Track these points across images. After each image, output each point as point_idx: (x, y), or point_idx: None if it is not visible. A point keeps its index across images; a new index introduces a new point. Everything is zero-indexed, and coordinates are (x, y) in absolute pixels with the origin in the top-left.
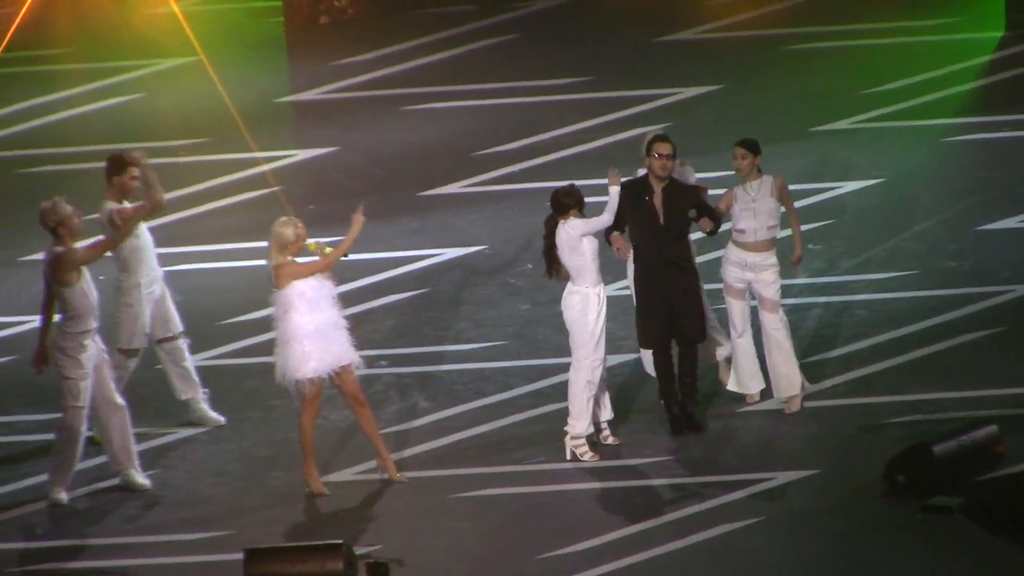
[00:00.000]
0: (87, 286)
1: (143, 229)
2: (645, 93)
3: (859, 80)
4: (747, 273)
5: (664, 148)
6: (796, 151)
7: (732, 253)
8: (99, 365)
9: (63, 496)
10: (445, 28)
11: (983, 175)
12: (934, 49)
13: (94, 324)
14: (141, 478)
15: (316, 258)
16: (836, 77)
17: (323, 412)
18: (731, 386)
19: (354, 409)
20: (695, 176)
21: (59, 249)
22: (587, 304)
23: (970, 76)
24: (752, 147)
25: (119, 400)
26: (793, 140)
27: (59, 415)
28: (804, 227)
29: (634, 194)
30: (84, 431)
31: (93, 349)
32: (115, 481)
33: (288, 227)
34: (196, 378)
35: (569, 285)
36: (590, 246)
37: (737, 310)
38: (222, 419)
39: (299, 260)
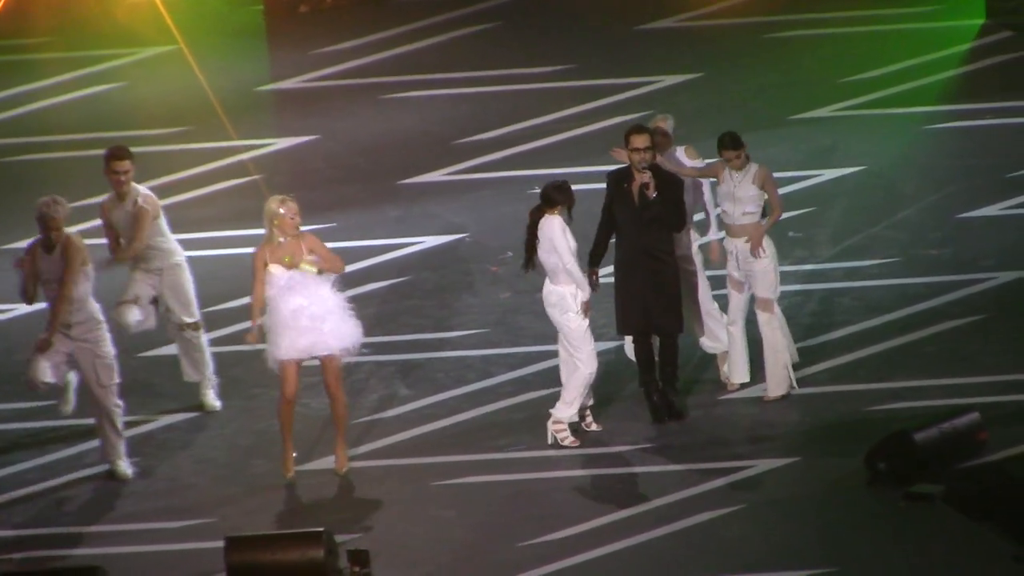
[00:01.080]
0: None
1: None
2: (626, 81)
3: (839, 68)
4: (743, 265)
5: (639, 141)
6: (776, 139)
7: (725, 239)
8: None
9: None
10: (426, 16)
11: (965, 163)
12: (915, 37)
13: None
14: (125, 468)
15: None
16: (816, 65)
17: (304, 400)
18: (723, 371)
19: (329, 396)
20: (689, 162)
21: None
22: (564, 303)
23: (951, 64)
24: (735, 143)
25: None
26: (773, 128)
27: (40, 404)
28: (787, 215)
29: (617, 181)
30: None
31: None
32: (97, 469)
33: (273, 202)
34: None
35: (547, 281)
36: (566, 247)
37: (733, 300)
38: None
39: (281, 241)
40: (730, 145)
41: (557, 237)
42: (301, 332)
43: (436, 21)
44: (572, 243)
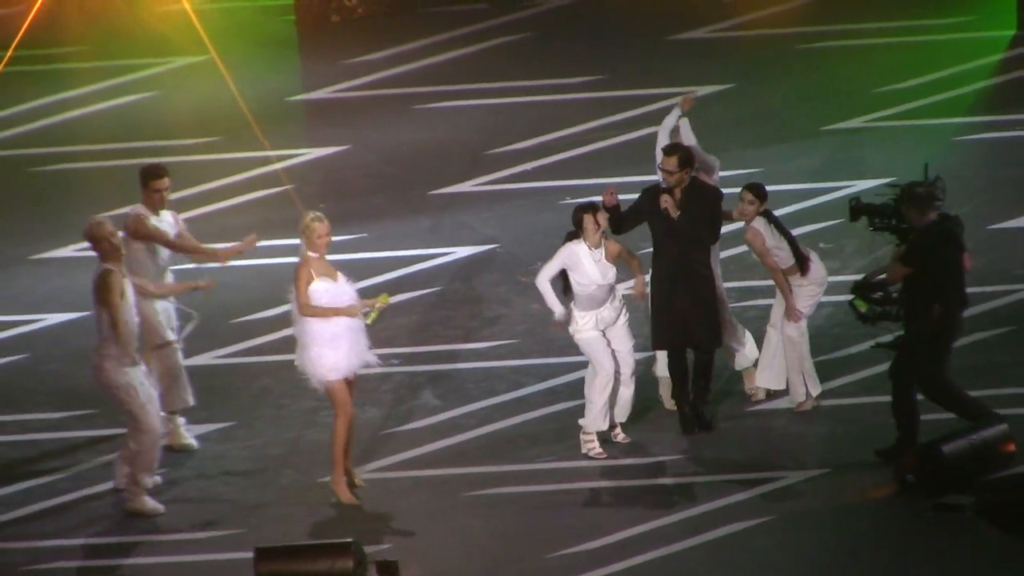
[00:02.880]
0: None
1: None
2: (658, 92)
3: (871, 79)
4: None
5: (668, 163)
6: (808, 149)
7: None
8: None
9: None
10: (457, 26)
11: (996, 173)
12: (946, 48)
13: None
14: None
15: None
16: (848, 76)
17: (324, 413)
18: (748, 387)
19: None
20: (718, 174)
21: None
22: (584, 326)
23: (982, 75)
24: (760, 194)
25: None
26: (805, 139)
27: (70, 414)
28: (818, 226)
29: (653, 198)
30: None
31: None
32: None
33: (306, 216)
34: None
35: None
36: (552, 265)
37: (777, 304)
38: (195, 444)
39: (314, 257)
40: (758, 193)
41: (554, 258)
42: (351, 347)
43: (467, 32)
44: (587, 270)
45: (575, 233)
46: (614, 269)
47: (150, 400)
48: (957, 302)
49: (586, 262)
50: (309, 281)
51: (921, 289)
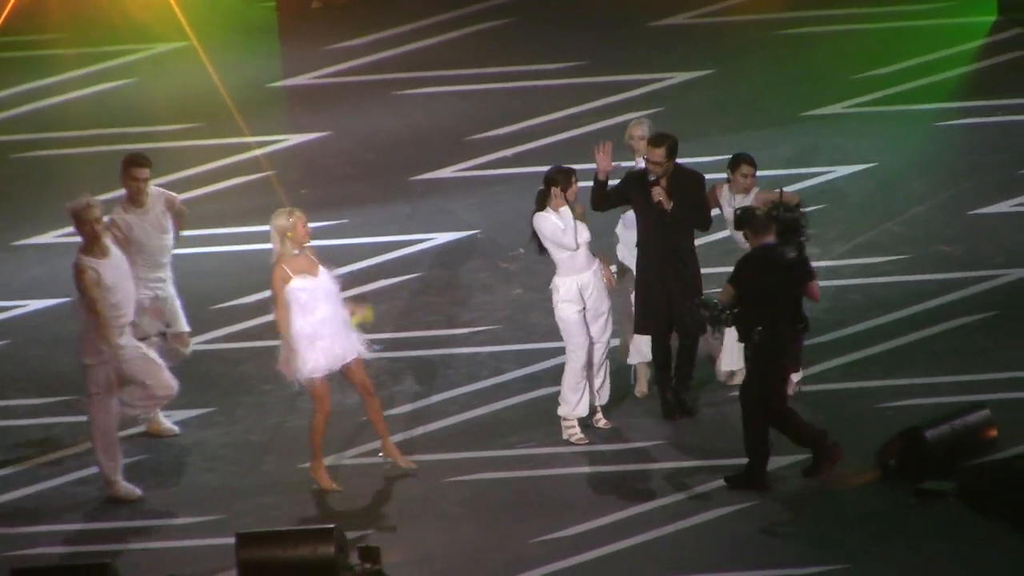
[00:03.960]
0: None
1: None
2: (637, 78)
3: (851, 64)
4: None
5: (655, 155)
6: (788, 135)
7: None
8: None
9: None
10: (438, 12)
11: (976, 159)
12: (927, 33)
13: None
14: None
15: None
16: (828, 61)
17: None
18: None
19: (362, 397)
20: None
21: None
22: (566, 295)
23: (963, 60)
24: (755, 162)
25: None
26: (785, 124)
27: (52, 400)
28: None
29: (639, 183)
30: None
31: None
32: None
33: (281, 216)
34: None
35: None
36: (553, 227)
37: None
38: (176, 429)
39: (294, 254)
40: (751, 162)
41: (546, 227)
42: (334, 339)
43: (448, 17)
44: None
45: (544, 193)
46: (587, 230)
47: (108, 391)
48: (782, 329)
49: (555, 219)
50: (286, 280)
51: (747, 312)
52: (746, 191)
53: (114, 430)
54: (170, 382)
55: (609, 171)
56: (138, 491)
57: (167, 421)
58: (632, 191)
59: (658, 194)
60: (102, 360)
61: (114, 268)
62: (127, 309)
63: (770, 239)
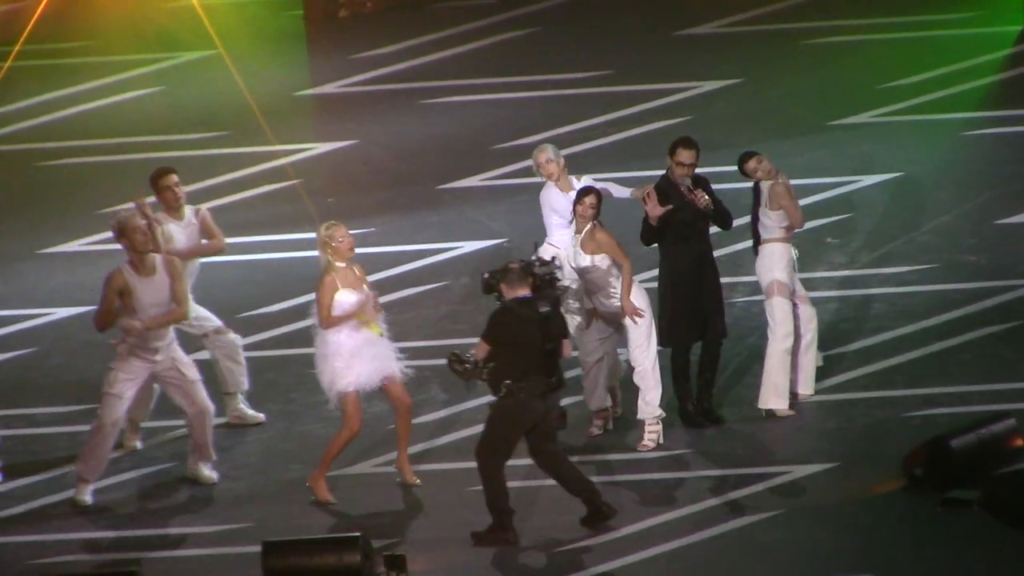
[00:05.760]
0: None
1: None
2: (664, 87)
3: (878, 74)
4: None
5: (688, 156)
6: (815, 145)
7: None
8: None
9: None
10: (465, 22)
11: (1002, 169)
12: (953, 43)
13: (152, 342)
14: (208, 471)
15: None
16: (855, 71)
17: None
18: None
19: (397, 412)
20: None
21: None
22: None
23: (989, 70)
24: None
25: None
26: (812, 134)
27: (77, 408)
28: (824, 221)
29: (665, 192)
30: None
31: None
32: (134, 473)
33: (321, 227)
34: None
35: None
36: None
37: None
38: (262, 416)
39: (340, 267)
40: (756, 154)
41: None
42: (374, 356)
43: (476, 26)
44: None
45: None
46: (589, 258)
47: (120, 398)
48: (533, 383)
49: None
50: (335, 291)
51: (500, 365)
52: (771, 176)
53: (112, 434)
54: (204, 403)
55: (659, 216)
56: (89, 500)
57: (206, 469)
58: (677, 206)
59: (700, 197)
60: (114, 369)
61: (155, 291)
62: (157, 337)
63: (525, 292)
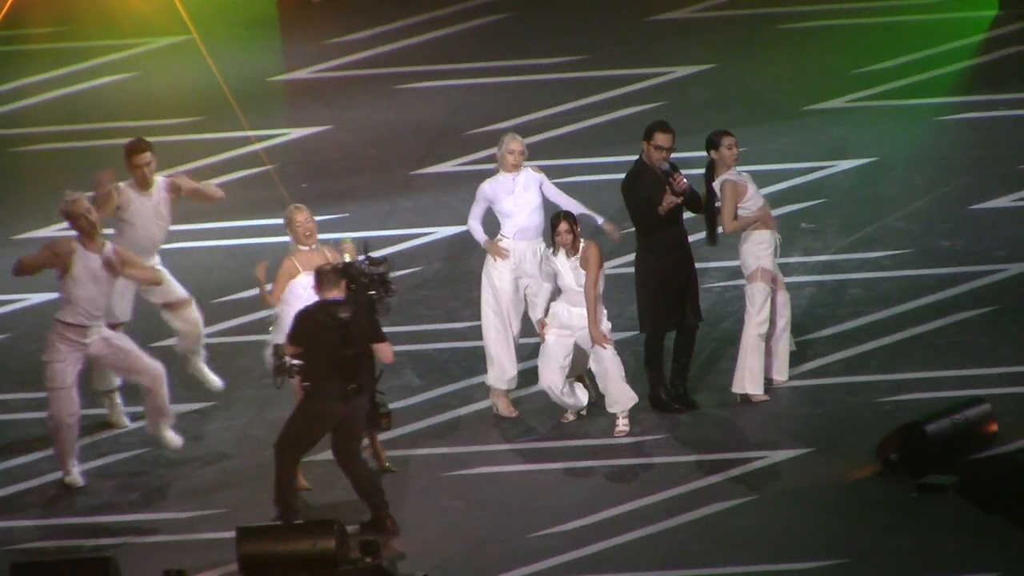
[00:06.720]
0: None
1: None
2: (639, 72)
3: (852, 59)
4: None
5: (666, 140)
6: (789, 130)
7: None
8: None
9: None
10: (439, 6)
11: (977, 154)
12: (928, 28)
13: (84, 320)
14: (172, 435)
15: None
16: (829, 56)
17: None
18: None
19: None
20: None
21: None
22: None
23: (964, 55)
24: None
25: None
26: (786, 119)
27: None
28: (799, 206)
29: (651, 178)
30: (69, 414)
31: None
32: (108, 459)
33: (286, 210)
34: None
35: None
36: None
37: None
38: (219, 383)
39: (303, 250)
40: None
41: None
42: None
43: (449, 11)
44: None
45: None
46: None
47: (64, 388)
48: (332, 387)
49: (562, 270)
50: (292, 275)
51: (302, 367)
52: (733, 163)
53: (73, 425)
54: (152, 366)
55: (671, 205)
56: (80, 481)
57: (170, 431)
58: (651, 192)
59: (680, 180)
60: (52, 354)
61: (97, 268)
62: (95, 310)
63: (336, 295)
